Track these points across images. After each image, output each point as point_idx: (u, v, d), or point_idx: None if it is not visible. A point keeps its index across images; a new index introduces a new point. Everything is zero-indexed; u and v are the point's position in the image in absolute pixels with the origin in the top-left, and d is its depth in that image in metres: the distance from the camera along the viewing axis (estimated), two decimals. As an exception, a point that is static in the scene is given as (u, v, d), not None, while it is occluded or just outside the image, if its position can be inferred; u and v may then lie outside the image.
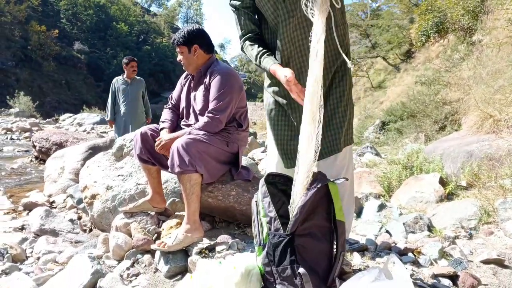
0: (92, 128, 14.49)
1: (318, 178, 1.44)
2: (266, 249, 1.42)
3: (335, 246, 1.47)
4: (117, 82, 5.41)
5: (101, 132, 12.97)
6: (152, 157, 2.22)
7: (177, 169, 1.91)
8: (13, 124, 14.12)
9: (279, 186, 1.60)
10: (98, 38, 41.85)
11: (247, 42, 1.76)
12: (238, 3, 1.73)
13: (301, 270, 1.32)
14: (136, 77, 5.44)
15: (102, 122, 16.48)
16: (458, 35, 11.05)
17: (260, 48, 1.71)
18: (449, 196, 3.46)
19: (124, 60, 5.37)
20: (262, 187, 1.52)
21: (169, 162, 1.96)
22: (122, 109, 5.33)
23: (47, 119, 18.23)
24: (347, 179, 1.66)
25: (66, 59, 36.34)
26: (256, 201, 1.54)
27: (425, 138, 8.11)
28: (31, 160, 6.84)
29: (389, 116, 11.89)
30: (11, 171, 5.92)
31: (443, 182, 3.62)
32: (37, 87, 30.50)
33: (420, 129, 8.77)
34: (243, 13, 1.75)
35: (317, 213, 1.43)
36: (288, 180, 1.59)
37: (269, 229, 1.43)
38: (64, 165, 4.48)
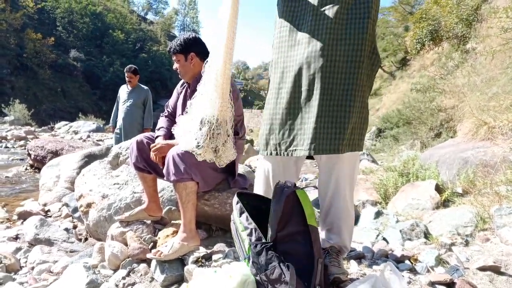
0: (88, 136, 14.44)
1: (286, 186, 1.46)
2: (251, 259, 1.42)
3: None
4: (122, 90, 5.57)
5: (97, 140, 12.93)
6: (148, 165, 2.21)
7: (172, 178, 1.90)
8: (8, 132, 14.04)
9: (251, 202, 1.62)
10: (94, 46, 41.87)
11: None
12: None
13: (290, 264, 1.34)
14: (141, 85, 5.55)
15: (98, 130, 16.45)
16: (452, 43, 11.18)
17: None
18: (445, 203, 3.46)
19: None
20: (237, 204, 1.55)
21: (164, 171, 1.96)
22: (120, 116, 5.46)
23: (43, 127, 18.16)
24: (315, 187, 1.67)
25: (62, 66, 36.30)
26: (233, 220, 1.56)
27: (421, 145, 8.17)
28: (26, 169, 6.79)
29: (385, 123, 11.98)
30: (5, 179, 5.87)
31: (439, 189, 3.62)
32: (32, 95, 30.41)
33: (416, 136, 8.84)
34: None
35: (292, 220, 1.45)
36: (259, 197, 1.65)
37: (250, 240, 1.45)
38: (59, 174, 4.45)
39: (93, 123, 17.98)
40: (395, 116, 11.37)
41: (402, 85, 16.13)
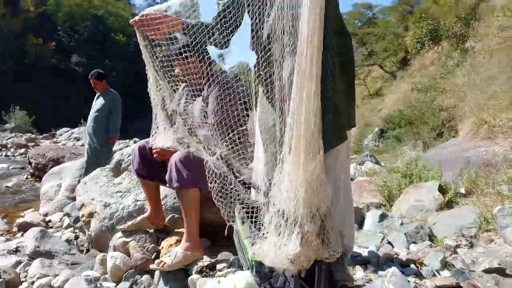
0: (90, 142, 14.38)
1: None
2: (254, 268, 1.41)
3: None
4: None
5: (98, 146, 12.88)
6: (151, 171, 2.19)
7: (175, 184, 1.89)
8: (8, 140, 14.01)
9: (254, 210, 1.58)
10: (96, 50, 41.69)
11: None
12: None
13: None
14: (111, 90, 5.15)
15: (99, 136, 16.34)
16: (452, 42, 11.18)
17: None
18: (449, 204, 3.45)
19: None
20: (239, 213, 1.53)
21: (167, 177, 1.94)
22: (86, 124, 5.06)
23: (44, 134, 18.14)
24: None
25: (63, 71, 36.23)
26: (235, 229, 1.55)
27: (423, 145, 8.13)
28: (27, 178, 6.78)
29: (387, 124, 11.94)
30: (5, 189, 5.85)
31: (442, 189, 3.61)
32: (33, 101, 30.37)
33: (418, 136, 8.81)
34: None
35: None
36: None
37: None
38: (60, 182, 4.45)
39: (95, 130, 17.89)
40: (396, 116, 11.33)
41: (403, 85, 16.08)
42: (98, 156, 4.61)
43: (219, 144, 2.05)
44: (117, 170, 3.00)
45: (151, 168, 2.17)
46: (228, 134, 2.12)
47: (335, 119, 1.49)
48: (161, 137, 1.83)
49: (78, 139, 15.95)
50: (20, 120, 20.79)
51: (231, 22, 1.69)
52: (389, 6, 22.57)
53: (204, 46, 2.08)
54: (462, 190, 3.57)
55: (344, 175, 1.72)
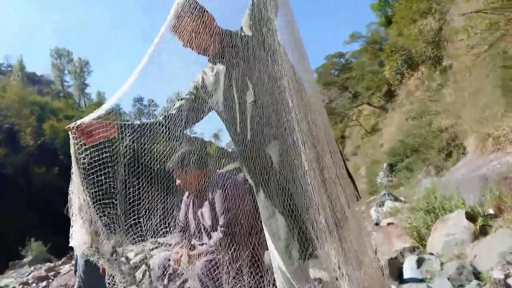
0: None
1: None
2: None
3: None
4: None
5: (118, 257, 12.64)
6: None
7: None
8: (28, 276, 13.78)
9: None
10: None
11: None
12: None
13: None
14: None
15: (117, 245, 16.13)
16: (429, 65, 11.56)
17: None
18: (482, 230, 3.30)
19: None
20: None
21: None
22: None
23: (62, 259, 17.88)
24: None
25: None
26: None
27: (435, 170, 8.02)
28: (56, 314, 6.56)
29: (393, 157, 11.87)
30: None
31: (470, 216, 3.48)
32: (46, 228, 30.44)
33: (428, 162, 8.70)
34: None
35: None
36: None
37: None
38: (88, 311, 4.28)
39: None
40: (400, 147, 11.32)
41: (395, 116, 16.33)
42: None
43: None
44: (143, 288, 2.92)
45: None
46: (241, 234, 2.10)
47: None
48: None
49: (97, 255, 15.64)
50: (36, 251, 20.62)
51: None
52: (358, 49, 23.79)
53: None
54: (491, 211, 3.44)
55: None
